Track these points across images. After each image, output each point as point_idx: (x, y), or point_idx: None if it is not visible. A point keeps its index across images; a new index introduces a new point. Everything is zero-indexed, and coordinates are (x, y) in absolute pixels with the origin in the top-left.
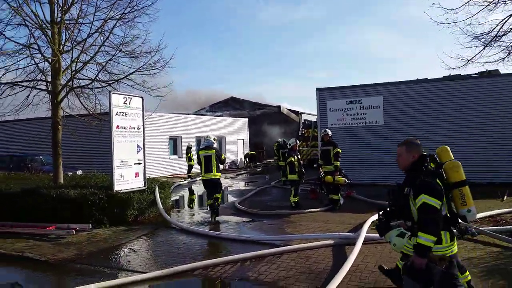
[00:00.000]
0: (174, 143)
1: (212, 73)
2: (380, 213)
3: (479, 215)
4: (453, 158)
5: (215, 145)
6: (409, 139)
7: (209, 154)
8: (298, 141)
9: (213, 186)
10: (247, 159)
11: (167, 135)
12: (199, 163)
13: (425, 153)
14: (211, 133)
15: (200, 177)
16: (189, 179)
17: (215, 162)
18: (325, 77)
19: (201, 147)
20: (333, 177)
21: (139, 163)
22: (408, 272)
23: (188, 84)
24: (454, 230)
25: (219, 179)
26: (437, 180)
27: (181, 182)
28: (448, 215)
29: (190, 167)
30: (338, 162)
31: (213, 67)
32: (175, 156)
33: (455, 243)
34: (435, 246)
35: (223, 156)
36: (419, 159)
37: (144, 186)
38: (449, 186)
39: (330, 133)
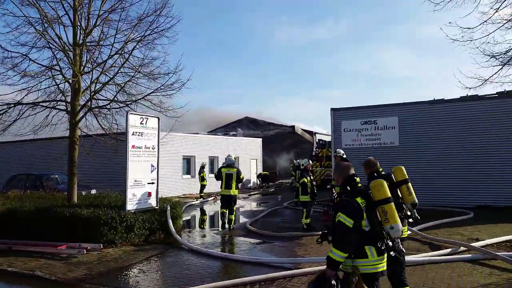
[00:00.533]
0: (188, 163)
1: (227, 92)
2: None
3: (495, 240)
4: (406, 176)
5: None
6: (338, 164)
7: (231, 172)
8: (311, 162)
9: (230, 201)
10: (260, 179)
11: (181, 155)
12: (220, 178)
13: (353, 174)
14: (227, 153)
15: (214, 195)
16: (201, 199)
17: (235, 180)
18: (340, 95)
19: (224, 165)
20: None
21: (152, 183)
22: (316, 280)
23: (205, 103)
24: (381, 246)
25: (236, 195)
26: (359, 198)
27: (193, 202)
28: (372, 231)
29: (203, 187)
30: None
31: (229, 86)
32: (188, 176)
33: (384, 259)
34: (361, 260)
35: (241, 175)
36: (345, 180)
37: (157, 206)
38: (374, 204)
39: (342, 153)
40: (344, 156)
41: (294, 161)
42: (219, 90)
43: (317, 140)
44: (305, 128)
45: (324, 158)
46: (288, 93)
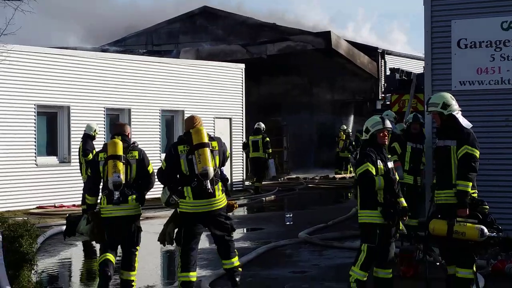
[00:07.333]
0: (50, 124)
1: None
2: None
3: None
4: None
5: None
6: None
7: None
8: (384, 121)
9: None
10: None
11: (32, 104)
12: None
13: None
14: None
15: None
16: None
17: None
18: None
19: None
20: (452, 222)
21: None
22: None
23: None
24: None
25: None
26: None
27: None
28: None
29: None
30: (470, 183)
31: None
32: (52, 158)
33: (203, 201)
34: (182, 201)
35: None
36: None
37: None
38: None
39: (451, 104)
40: (453, 108)
41: (344, 128)
42: None
43: (387, 70)
44: (359, 41)
45: (409, 114)
46: None
